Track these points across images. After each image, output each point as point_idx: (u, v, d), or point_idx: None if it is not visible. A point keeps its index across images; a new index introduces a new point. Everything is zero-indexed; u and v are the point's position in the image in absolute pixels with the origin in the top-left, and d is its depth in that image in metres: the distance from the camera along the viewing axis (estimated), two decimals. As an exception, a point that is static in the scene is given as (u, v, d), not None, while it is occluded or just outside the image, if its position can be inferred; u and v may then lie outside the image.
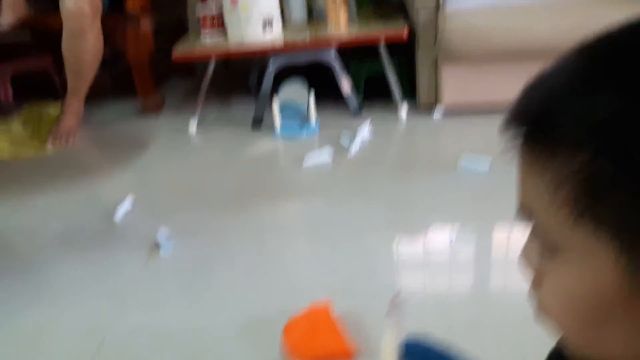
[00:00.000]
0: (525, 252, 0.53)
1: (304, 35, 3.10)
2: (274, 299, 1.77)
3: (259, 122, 3.18)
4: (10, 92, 3.84)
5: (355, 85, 3.20)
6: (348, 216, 2.31)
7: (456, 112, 3.05)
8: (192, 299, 1.86)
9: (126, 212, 2.45)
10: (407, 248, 2.08)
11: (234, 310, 1.74)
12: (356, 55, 3.28)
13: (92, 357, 1.59)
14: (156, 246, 2.13)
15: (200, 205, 2.53)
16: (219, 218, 2.36)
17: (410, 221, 2.22)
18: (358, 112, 3.15)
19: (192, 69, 4.08)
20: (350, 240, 2.11)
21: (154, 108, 3.58)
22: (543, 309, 0.52)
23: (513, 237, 2.02)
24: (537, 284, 0.52)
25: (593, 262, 0.45)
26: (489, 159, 2.48)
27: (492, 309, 1.65)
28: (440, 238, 2.11)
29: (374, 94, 3.32)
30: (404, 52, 3.16)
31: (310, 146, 2.91)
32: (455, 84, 2.93)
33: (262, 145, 3.08)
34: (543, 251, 0.49)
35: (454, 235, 2.09)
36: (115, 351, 1.62)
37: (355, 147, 2.81)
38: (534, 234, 0.51)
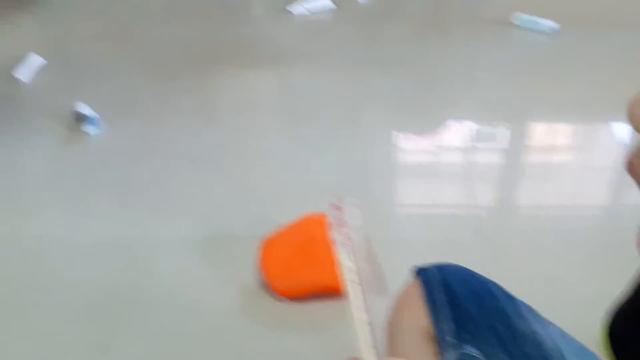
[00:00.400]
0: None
1: None
2: (239, 206, 1.58)
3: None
4: None
5: None
6: (347, 95, 1.91)
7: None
8: (129, 200, 1.59)
9: (34, 71, 1.92)
10: (418, 149, 1.82)
11: (184, 221, 1.54)
12: None
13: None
14: (77, 121, 1.73)
15: (135, 71, 2.00)
16: (164, 90, 1.92)
17: (434, 108, 1.89)
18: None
19: None
20: (346, 133, 1.79)
21: None
22: None
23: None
24: None
25: None
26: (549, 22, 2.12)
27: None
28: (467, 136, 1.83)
29: None
30: None
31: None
32: None
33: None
34: None
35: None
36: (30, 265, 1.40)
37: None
38: None
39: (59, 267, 1.39)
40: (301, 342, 1.23)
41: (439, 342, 0.76)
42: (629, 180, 0.45)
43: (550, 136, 1.90)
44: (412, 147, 1.83)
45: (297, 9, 2.11)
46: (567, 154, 1.83)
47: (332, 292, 1.26)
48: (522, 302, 0.79)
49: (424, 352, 0.77)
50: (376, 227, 1.46)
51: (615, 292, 0.62)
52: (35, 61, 1.95)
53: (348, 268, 0.57)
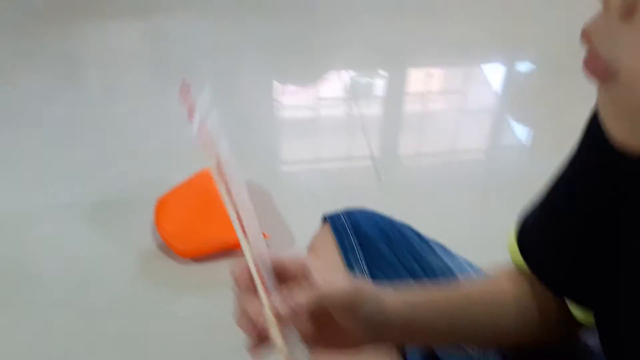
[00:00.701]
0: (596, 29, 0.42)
1: None
2: (124, 168, 1.51)
3: None
4: None
5: None
6: (224, 43, 1.86)
7: None
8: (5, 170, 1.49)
9: None
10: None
11: (65, 188, 1.46)
12: None
13: None
14: None
15: None
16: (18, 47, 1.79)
17: (317, 55, 1.87)
18: None
19: None
20: (226, 84, 1.73)
21: None
22: (626, 93, 0.41)
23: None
24: (610, 73, 0.41)
25: None
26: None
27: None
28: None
29: None
30: None
31: None
32: None
33: None
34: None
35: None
36: None
37: None
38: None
39: None
40: (205, 301, 1.19)
41: (348, 267, 0.76)
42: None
43: (440, 80, 1.95)
44: (295, 98, 1.80)
45: None
46: (449, 98, 1.88)
47: (233, 248, 1.23)
48: (434, 241, 0.81)
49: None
50: (275, 182, 1.44)
51: (503, 224, 0.66)
52: None
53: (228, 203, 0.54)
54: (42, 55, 1.79)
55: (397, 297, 0.60)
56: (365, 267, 0.76)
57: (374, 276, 0.75)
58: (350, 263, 0.76)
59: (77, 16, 1.91)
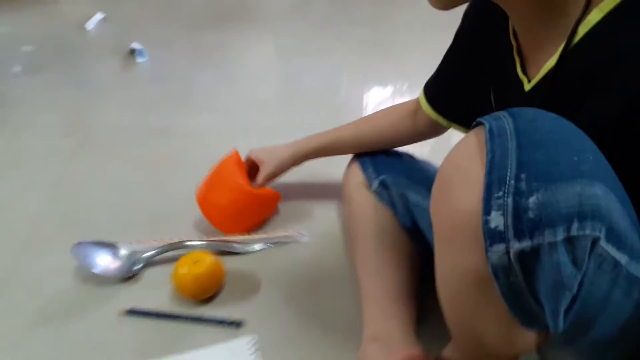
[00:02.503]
0: None
1: None
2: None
3: None
4: None
5: None
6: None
7: None
8: (174, 102, 1.83)
9: (98, 24, 2.43)
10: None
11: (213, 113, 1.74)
12: None
13: (76, 152, 1.53)
14: (131, 54, 2.09)
15: (173, 22, 2.50)
16: (193, 35, 2.34)
17: None
18: None
19: None
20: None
21: None
22: None
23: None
24: None
25: None
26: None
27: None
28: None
29: None
30: None
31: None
32: None
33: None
34: None
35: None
36: (98, 147, 1.57)
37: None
38: None
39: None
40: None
41: (368, 178, 1.12)
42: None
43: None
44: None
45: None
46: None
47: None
48: (422, 159, 1.19)
49: (363, 193, 1.11)
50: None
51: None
52: (98, 16, 2.45)
53: None
54: (208, 39, 2.27)
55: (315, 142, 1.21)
56: (374, 169, 1.13)
57: (378, 171, 1.11)
58: (365, 169, 1.15)
59: (229, 18, 2.53)
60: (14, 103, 1.81)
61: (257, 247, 1.16)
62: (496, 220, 0.51)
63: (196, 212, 1.20)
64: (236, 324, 0.98)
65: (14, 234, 1.21)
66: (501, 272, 0.53)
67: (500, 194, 0.51)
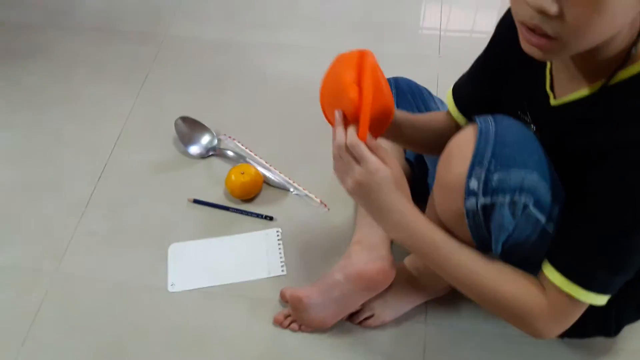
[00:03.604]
0: None
1: None
2: None
3: None
4: None
5: None
6: None
7: None
8: (239, 15, 2.02)
9: None
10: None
11: (272, 32, 1.90)
12: None
13: (153, 59, 1.79)
14: None
15: None
16: None
17: None
18: None
19: None
20: None
21: None
22: (569, 31, 0.74)
23: None
24: (558, 15, 0.72)
25: None
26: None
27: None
28: None
29: None
30: None
31: None
32: None
33: None
34: None
35: None
36: (173, 54, 1.84)
37: None
38: None
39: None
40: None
41: None
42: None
43: None
44: None
45: None
46: None
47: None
48: (437, 97, 1.39)
49: None
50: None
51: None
52: None
53: None
54: None
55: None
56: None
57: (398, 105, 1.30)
58: None
59: None
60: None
61: (291, 189, 1.47)
62: (473, 184, 0.87)
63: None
64: (269, 218, 1.40)
65: (110, 129, 1.62)
66: (471, 214, 0.90)
67: (478, 169, 0.87)
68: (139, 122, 1.64)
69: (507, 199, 0.87)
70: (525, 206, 0.87)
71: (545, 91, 0.96)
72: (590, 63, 0.85)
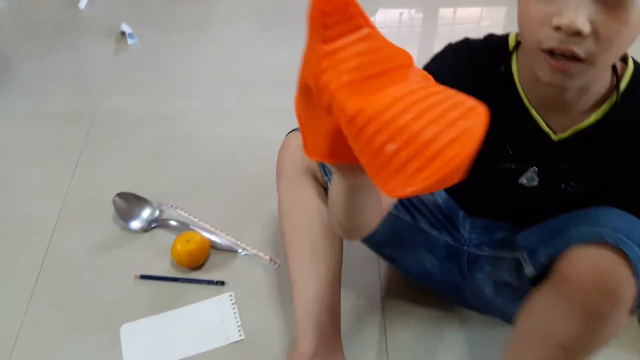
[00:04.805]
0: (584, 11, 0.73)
1: None
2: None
3: None
4: None
5: None
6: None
7: None
8: (169, 84, 2.05)
9: (88, 2, 2.49)
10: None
11: (204, 98, 1.98)
12: None
13: (85, 137, 1.82)
14: (122, 36, 2.25)
15: None
16: (176, 9, 2.46)
17: None
18: None
19: None
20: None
21: None
22: (601, 47, 0.76)
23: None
24: (591, 35, 0.74)
25: None
26: None
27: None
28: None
29: None
30: None
31: None
32: None
33: None
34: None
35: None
36: (104, 131, 1.85)
37: None
38: None
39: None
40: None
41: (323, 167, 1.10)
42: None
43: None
44: None
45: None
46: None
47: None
48: None
49: (308, 183, 1.11)
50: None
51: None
52: None
53: None
54: (190, 13, 2.36)
55: None
56: None
57: None
58: None
59: None
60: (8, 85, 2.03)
61: (240, 250, 1.44)
62: None
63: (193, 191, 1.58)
64: (220, 283, 1.37)
65: (47, 214, 1.57)
66: None
67: None
68: (76, 203, 1.60)
69: None
70: None
71: (543, 131, 0.94)
72: (586, 93, 0.88)
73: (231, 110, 1.91)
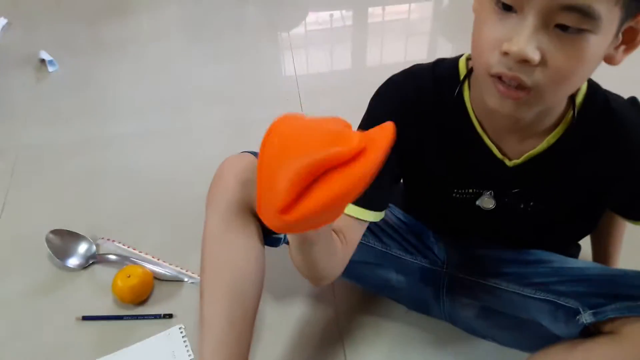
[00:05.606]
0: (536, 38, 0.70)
1: None
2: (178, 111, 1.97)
3: None
4: None
5: None
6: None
7: None
8: (95, 110, 1.98)
9: (3, 30, 2.41)
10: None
11: (133, 121, 1.93)
12: None
13: (10, 174, 1.73)
14: (42, 63, 2.17)
15: (75, 19, 2.50)
16: (97, 30, 2.39)
17: None
18: None
19: None
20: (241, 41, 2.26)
21: None
22: (549, 79, 0.73)
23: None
24: (539, 64, 0.71)
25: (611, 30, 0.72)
26: None
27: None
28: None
29: None
30: None
31: None
32: None
33: None
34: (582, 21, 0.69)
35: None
36: (30, 166, 1.77)
37: None
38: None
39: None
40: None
41: None
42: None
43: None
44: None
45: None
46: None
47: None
48: None
49: (238, 221, 1.01)
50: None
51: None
52: (2, 21, 2.40)
53: None
54: (112, 34, 2.30)
55: None
56: None
57: None
58: None
59: (128, 3, 2.52)
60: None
61: (186, 279, 1.39)
62: None
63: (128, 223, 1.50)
64: (168, 316, 1.31)
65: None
66: None
67: None
68: (6, 245, 1.50)
69: None
70: None
71: (497, 158, 0.93)
72: (541, 120, 0.87)
73: (161, 132, 1.85)
